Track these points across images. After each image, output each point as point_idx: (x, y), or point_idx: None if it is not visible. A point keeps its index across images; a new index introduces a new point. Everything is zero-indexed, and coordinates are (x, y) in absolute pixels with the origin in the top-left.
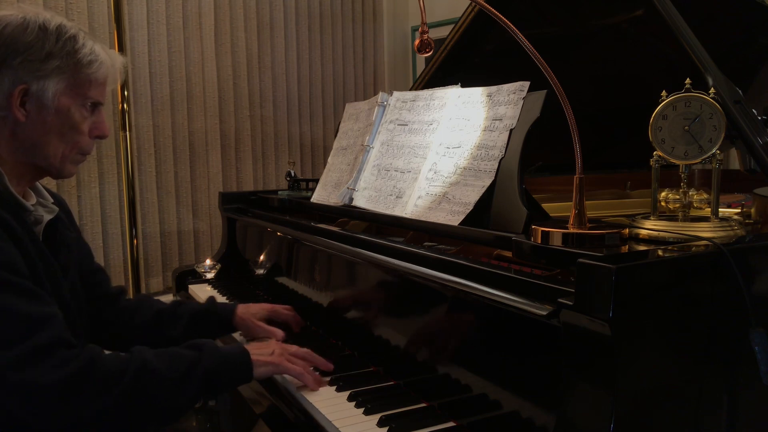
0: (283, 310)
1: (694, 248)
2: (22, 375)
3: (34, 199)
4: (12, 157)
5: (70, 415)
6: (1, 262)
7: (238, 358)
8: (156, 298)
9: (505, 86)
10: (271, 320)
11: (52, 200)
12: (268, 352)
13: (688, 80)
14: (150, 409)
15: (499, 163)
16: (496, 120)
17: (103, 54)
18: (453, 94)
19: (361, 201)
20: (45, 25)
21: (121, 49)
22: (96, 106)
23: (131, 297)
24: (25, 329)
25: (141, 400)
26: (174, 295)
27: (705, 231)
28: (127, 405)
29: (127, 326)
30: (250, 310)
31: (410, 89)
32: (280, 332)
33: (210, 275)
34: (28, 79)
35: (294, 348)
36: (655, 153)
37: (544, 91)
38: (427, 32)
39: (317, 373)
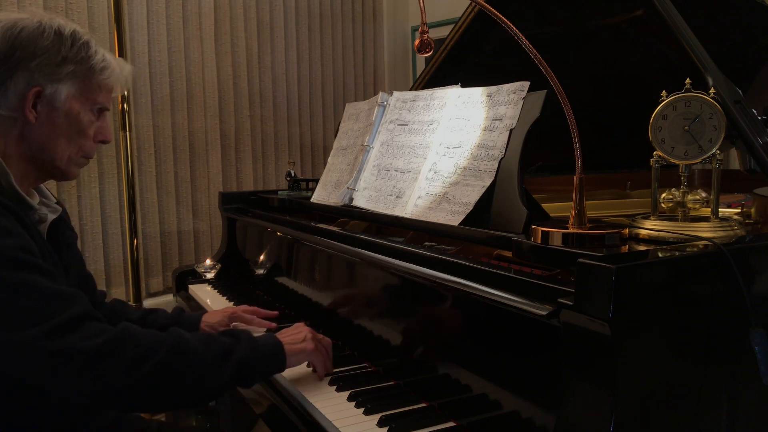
0: (241, 312)
1: (694, 248)
2: (60, 343)
3: (37, 199)
4: (19, 157)
5: (102, 384)
6: (21, 245)
7: (271, 350)
8: (160, 299)
9: (505, 86)
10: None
11: (54, 200)
12: (300, 338)
13: (688, 80)
14: (180, 389)
15: (499, 163)
16: (496, 120)
17: (113, 62)
18: (453, 94)
19: (361, 201)
20: (60, 30)
21: (121, 49)
22: (102, 111)
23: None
24: (58, 303)
25: (173, 377)
26: (174, 296)
27: (705, 231)
28: (158, 380)
29: None
30: (210, 320)
31: (410, 89)
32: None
33: (210, 275)
34: (43, 82)
35: (321, 336)
36: (655, 153)
37: (544, 91)
38: (427, 32)
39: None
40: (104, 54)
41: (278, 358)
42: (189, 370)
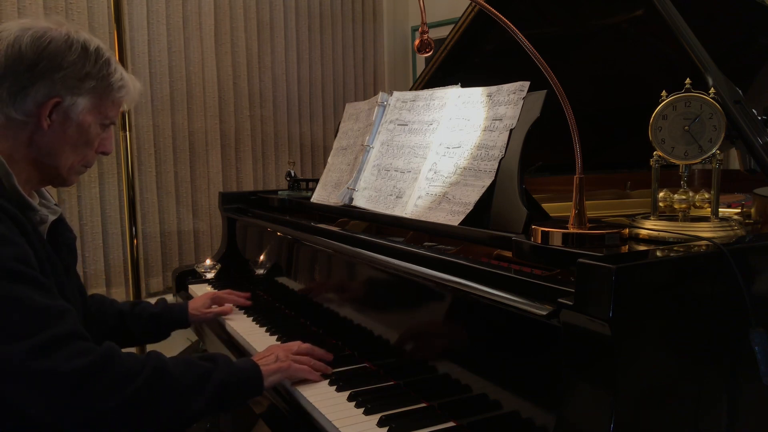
0: (223, 294)
1: (694, 248)
2: (42, 363)
3: (37, 200)
4: (25, 160)
5: (83, 408)
6: (17, 255)
7: (249, 373)
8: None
9: (505, 86)
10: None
11: (54, 201)
12: (273, 359)
13: (688, 80)
14: (159, 413)
15: (499, 163)
16: (496, 120)
17: (129, 80)
18: (453, 94)
19: (361, 201)
20: (86, 45)
21: (121, 49)
22: (110, 124)
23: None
24: (44, 320)
25: (152, 402)
26: (174, 296)
27: (705, 231)
28: (138, 404)
29: (97, 329)
30: (196, 305)
31: (410, 89)
32: (228, 307)
33: (210, 275)
34: (64, 93)
35: (295, 346)
36: (655, 153)
37: (544, 91)
38: (427, 32)
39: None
40: (122, 72)
41: (256, 380)
42: (169, 393)
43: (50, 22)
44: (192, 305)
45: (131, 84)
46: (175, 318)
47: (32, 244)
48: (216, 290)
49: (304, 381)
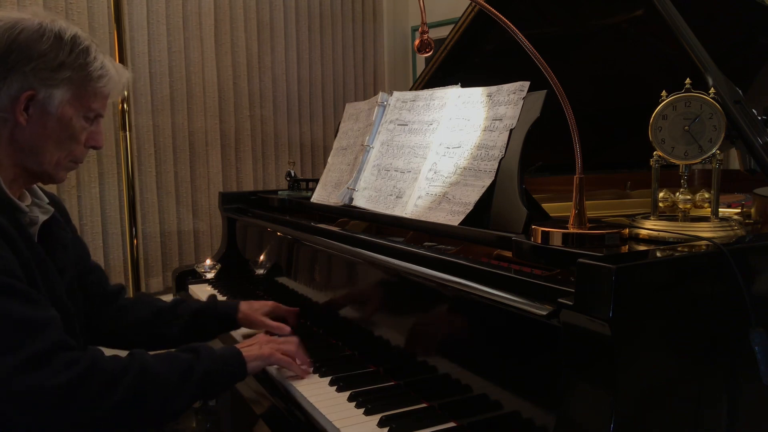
0: (285, 311)
1: (694, 248)
2: (26, 380)
3: (29, 200)
4: (8, 159)
5: (73, 418)
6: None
7: (231, 359)
8: (158, 297)
9: (505, 86)
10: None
11: (47, 200)
12: (257, 347)
13: (688, 80)
14: (149, 411)
15: (499, 163)
16: (496, 120)
17: (112, 69)
18: (453, 94)
19: (361, 201)
20: (60, 34)
21: (121, 49)
22: (96, 117)
23: (130, 296)
24: (26, 334)
25: (141, 402)
26: (174, 295)
27: (705, 231)
28: (127, 406)
29: (124, 324)
30: (253, 307)
31: (410, 89)
32: (286, 327)
33: (210, 275)
34: (37, 85)
35: (281, 338)
36: (655, 153)
37: (544, 91)
38: (427, 32)
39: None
40: (103, 61)
41: (238, 366)
42: (155, 392)
43: (27, 13)
44: (247, 305)
45: (114, 73)
46: (219, 315)
47: (18, 248)
48: (215, 291)
49: (304, 381)
